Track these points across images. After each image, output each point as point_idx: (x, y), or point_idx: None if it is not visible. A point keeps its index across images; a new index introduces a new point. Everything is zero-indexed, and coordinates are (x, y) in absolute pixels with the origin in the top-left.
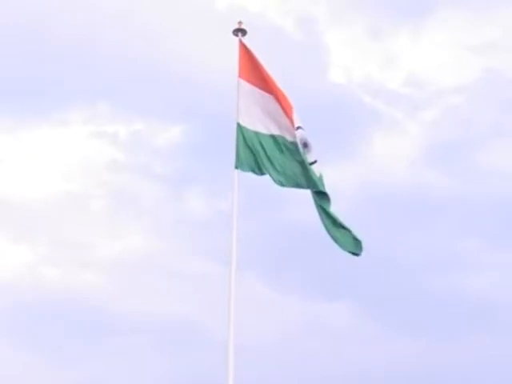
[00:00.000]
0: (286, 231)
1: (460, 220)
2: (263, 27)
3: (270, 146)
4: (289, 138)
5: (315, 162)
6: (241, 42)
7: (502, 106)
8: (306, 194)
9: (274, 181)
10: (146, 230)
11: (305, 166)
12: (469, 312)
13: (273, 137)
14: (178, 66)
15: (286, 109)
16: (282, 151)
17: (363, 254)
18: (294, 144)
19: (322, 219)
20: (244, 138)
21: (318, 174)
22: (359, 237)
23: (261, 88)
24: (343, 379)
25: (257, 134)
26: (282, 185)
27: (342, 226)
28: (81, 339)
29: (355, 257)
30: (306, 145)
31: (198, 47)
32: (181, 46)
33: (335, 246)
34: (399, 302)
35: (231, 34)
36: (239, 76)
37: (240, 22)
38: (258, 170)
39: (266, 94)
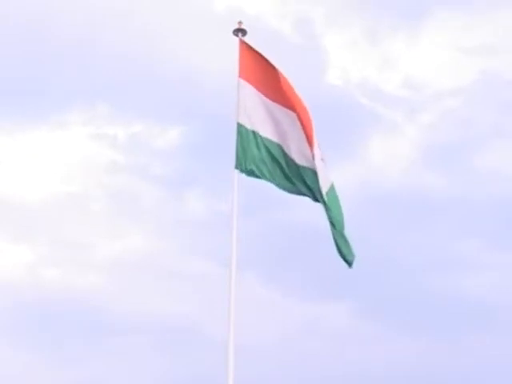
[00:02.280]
0: (286, 232)
1: (459, 220)
2: (261, 29)
3: (268, 148)
4: (288, 152)
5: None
6: (242, 41)
7: (500, 108)
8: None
9: (276, 185)
10: (145, 231)
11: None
12: (469, 312)
13: (272, 142)
14: (176, 67)
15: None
16: (281, 160)
17: (364, 255)
18: (295, 163)
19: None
20: (244, 138)
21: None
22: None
23: (261, 91)
24: (343, 379)
25: (255, 134)
26: (284, 189)
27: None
28: (81, 339)
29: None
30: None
31: (197, 48)
32: (180, 46)
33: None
34: (399, 302)
35: (229, 35)
36: (239, 76)
37: (240, 22)
38: (259, 172)
39: (266, 99)
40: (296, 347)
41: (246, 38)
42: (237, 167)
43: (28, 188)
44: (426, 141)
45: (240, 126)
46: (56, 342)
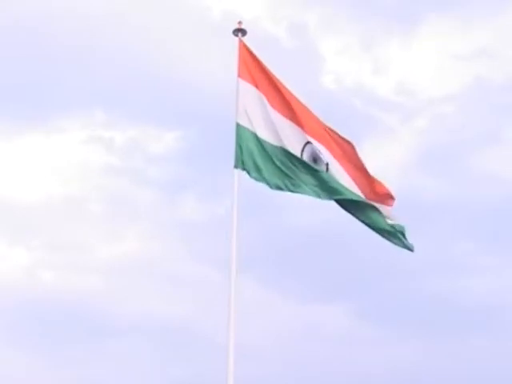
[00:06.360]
0: (285, 234)
1: (455, 224)
2: (256, 33)
3: (264, 148)
4: (290, 149)
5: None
6: (241, 42)
7: (494, 112)
8: (306, 198)
9: (270, 186)
10: (143, 233)
11: (317, 176)
12: (467, 314)
13: (267, 143)
14: (173, 71)
15: (294, 118)
16: (277, 159)
17: (362, 258)
18: (297, 159)
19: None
20: (242, 137)
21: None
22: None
23: (260, 92)
24: (343, 380)
25: (254, 134)
26: (279, 188)
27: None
28: (80, 340)
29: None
30: (315, 160)
31: (193, 53)
32: (177, 50)
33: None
34: (398, 304)
35: (226, 39)
36: (238, 75)
37: (240, 22)
38: (255, 172)
39: (265, 100)
40: (296, 348)
41: (245, 38)
42: (236, 166)
43: (25, 191)
44: (420, 145)
45: (239, 126)
46: (55, 342)
